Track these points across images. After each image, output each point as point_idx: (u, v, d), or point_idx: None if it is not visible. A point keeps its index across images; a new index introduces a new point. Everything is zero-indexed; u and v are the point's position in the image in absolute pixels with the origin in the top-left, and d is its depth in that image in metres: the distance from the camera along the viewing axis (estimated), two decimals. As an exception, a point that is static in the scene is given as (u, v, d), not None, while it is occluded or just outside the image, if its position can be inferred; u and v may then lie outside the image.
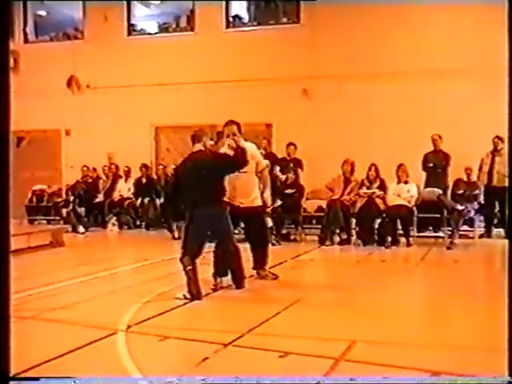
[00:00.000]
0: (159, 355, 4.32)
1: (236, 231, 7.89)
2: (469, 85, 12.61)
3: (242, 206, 6.81)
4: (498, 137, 11.12)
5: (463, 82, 12.69)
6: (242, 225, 7.81)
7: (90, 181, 14.32)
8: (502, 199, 11.12)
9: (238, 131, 6.86)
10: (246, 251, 6.94)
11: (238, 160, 6.29)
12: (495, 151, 11.33)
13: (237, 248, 6.50)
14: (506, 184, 11.03)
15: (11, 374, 2.76)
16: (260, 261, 7.13)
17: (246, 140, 7.11)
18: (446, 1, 12.55)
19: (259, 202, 7.08)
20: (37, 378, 3.32)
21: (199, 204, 6.10)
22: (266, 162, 7.97)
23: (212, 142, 6.72)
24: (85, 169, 14.37)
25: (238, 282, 6.49)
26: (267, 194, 7.23)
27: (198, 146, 6.34)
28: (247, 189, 6.91)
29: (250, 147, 7.09)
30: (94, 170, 14.55)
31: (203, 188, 6.09)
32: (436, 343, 4.52)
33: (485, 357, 4.11)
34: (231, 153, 6.55)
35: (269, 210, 8.44)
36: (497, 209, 11.33)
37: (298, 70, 13.86)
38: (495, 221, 11.44)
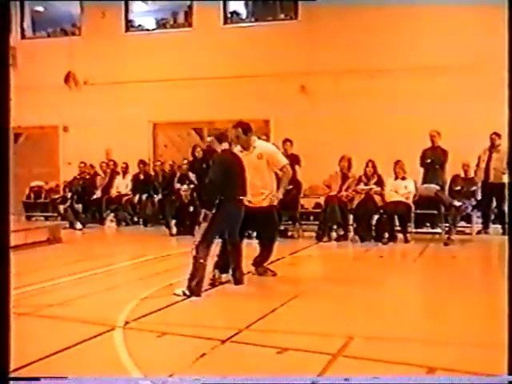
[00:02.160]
0: (157, 351, 4.32)
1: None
2: (467, 81, 12.61)
3: (250, 205, 6.77)
4: (495, 133, 11.12)
5: (461, 79, 12.68)
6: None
7: (88, 177, 14.31)
8: (499, 195, 11.14)
9: (242, 134, 6.84)
10: (245, 248, 6.96)
11: None
12: (492, 147, 11.33)
13: (241, 244, 6.65)
14: (503, 180, 11.07)
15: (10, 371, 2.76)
16: (264, 258, 7.14)
17: (259, 138, 7.11)
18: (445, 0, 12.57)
19: (269, 202, 7.02)
20: (37, 378, 3.32)
21: (232, 199, 6.30)
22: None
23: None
24: (82, 165, 14.35)
25: (238, 278, 6.51)
26: (280, 191, 7.10)
27: (225, 145, 6.52)
28: (257, 188, 6.85)
29: (261, 145, 7.07)
30: (92, 166, 14.53)
31: (236, 184, 6.36)
32: (433, 339, 4.53)
33: (482, 353, 4.12)
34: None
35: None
36: (494, 205, 11.33)
37: (296, 67, 13.85)
38: (492, 217, 11.46)
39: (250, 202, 6.74)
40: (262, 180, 6.94)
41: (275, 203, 7.11)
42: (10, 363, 2.65)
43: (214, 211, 6.19)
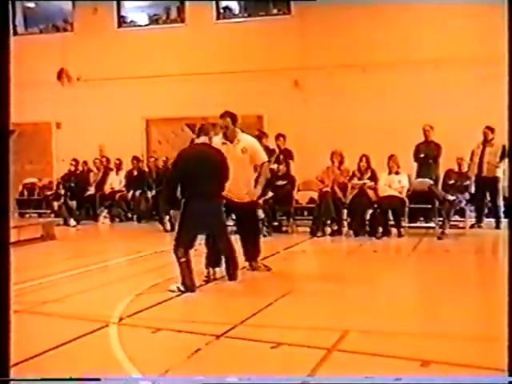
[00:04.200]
0: (151, 347, 4.32)
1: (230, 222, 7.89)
2: (460, 75, 12.62)
3: (232, 199, 6.76)
4: (488, 127, 11.13)
5: (455, 73, 12.70)
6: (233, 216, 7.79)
7: (78, 172, 14.30)
8: (492, 189, 11.18)
9: (231, 124, 6.81)
10: (238, 243, 6.96)
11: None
12: (486, 142, 11.34)
13: (229, 240, 6.50)
14: (497, 174, 11.10)
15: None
16: (251, 252, 7.11)
17: (243, 131, 7.07)
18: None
19: (250, 197, 7.01)
20: (38, 379, 3.31)
21: (197, 197, 6.03)
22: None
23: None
24: (73, 163, 14.30)
25: (231, 273, 6.49)
26: (258, 188, 7.07)
27: (204, 139, 6.34)
28: (238, 183, 6.78)
29: (245, 139, 7.03)
30: (85, 162, 14.49)
31: (204, 182, 6.04)
32: (428, 332, 4.55)
33: (476, 346, 4.13)
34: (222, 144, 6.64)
35: (260, 201, 8.41)
36: (487, 199, 11.36)
37: (289, 62, 13.83)
38: (486, 211, 11.49)
39: (232, 196, 6.72)
40: (244, 174, 6.89)
41: (254, 199, 7.11)
42: (10, 364, 2.64)
43: (181, 212, 6.05)
